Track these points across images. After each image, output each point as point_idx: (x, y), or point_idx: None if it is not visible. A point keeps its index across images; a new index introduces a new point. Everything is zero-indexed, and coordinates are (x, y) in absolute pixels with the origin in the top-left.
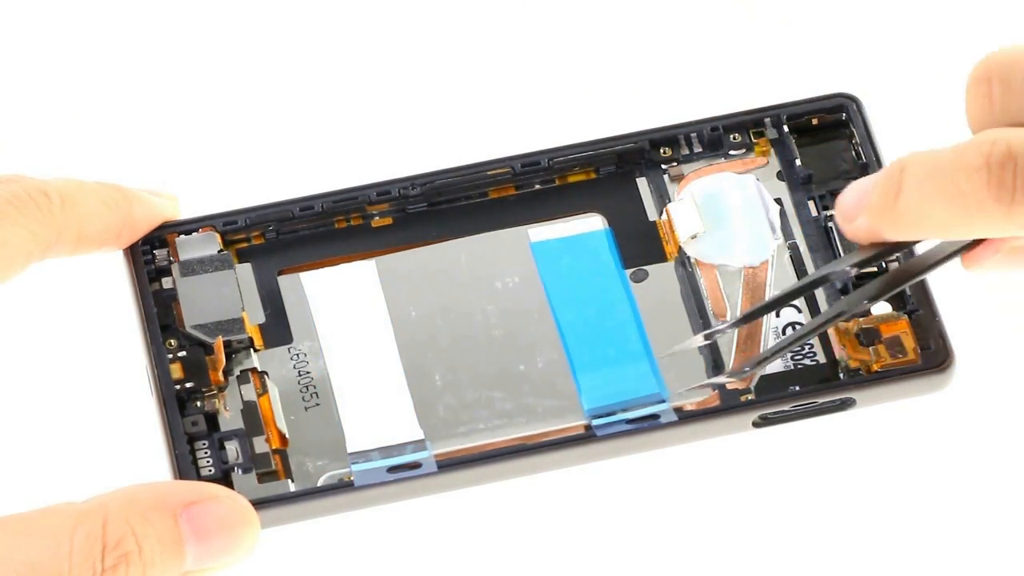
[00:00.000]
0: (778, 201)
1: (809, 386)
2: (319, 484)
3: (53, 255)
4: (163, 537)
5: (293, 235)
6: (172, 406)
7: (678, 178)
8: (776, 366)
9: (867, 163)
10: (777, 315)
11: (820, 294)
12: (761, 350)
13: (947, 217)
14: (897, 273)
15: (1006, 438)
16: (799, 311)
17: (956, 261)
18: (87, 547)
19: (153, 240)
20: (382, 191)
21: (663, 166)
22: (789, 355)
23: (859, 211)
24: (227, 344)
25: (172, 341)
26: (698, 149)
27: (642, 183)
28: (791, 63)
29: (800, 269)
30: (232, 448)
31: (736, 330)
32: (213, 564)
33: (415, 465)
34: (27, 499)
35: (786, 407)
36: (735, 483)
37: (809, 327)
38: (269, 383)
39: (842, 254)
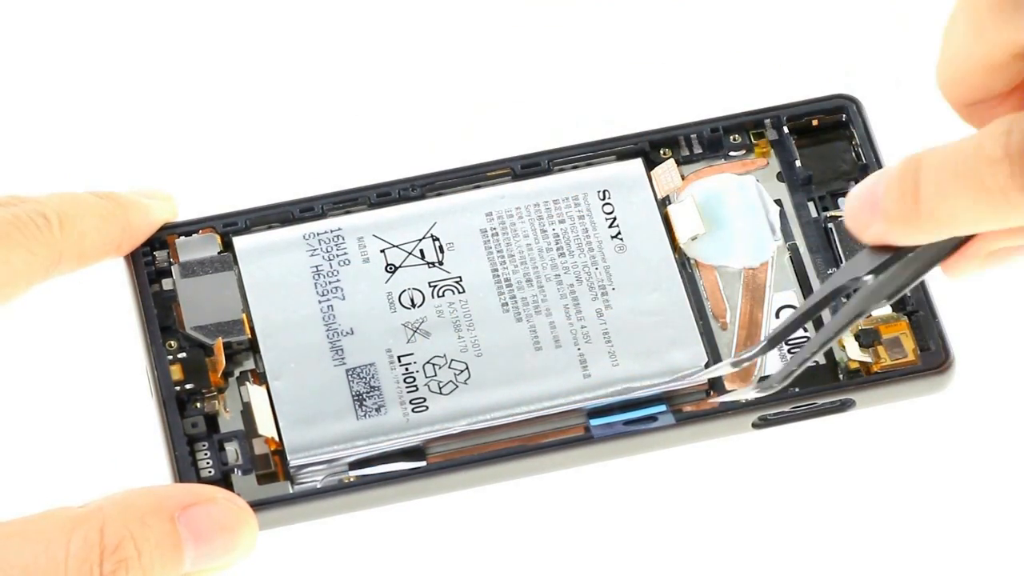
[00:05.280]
0: (778, 202)
1: (809, 387)
2: (319, 486)
3: (55, 275)
4: (161, 541)
5: None
6: (172, 407)
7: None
8: (775, 367)
9: (867, 164)
10: (776, 315)
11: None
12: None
13: (974, 214)
14: (907, 269)
15: (1006, 438)
16: None
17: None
18: (84, 552)
19: (153, 242)
20: (382, 192)
21: None
22: (789, 356)
23: (873, 218)
24: (227, 345)
25: (172, 342)
26: (698, 150)
27: None
28: (791, 63)
29: (800, 270)
30: (232, 449)
31: (736, 330)
32: (211, 566)
33: (414, 468)
34: (28, 502)
35: (786, 408)
36: (735, 485)
37: (828, 333)
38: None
39: (843, 256)
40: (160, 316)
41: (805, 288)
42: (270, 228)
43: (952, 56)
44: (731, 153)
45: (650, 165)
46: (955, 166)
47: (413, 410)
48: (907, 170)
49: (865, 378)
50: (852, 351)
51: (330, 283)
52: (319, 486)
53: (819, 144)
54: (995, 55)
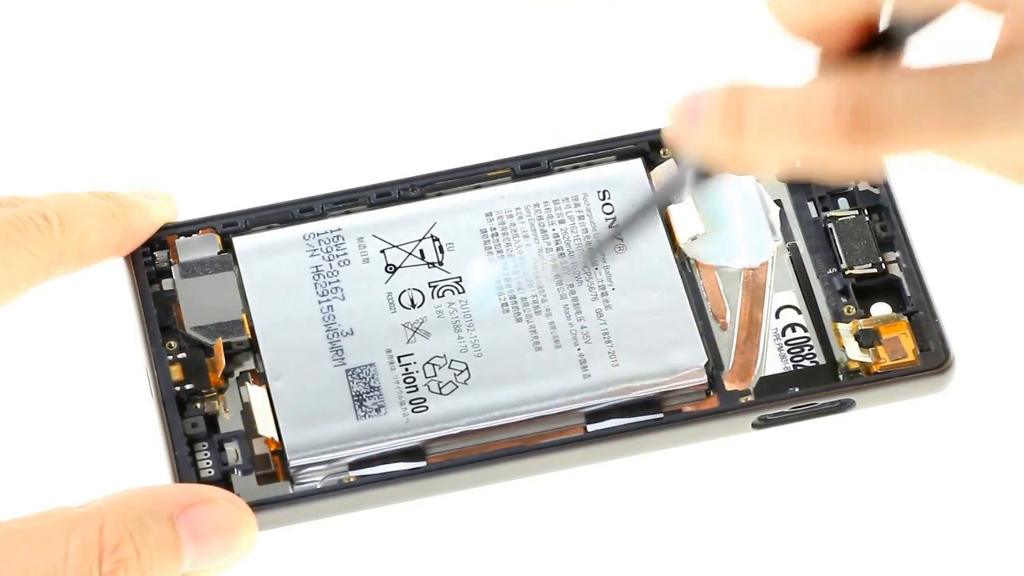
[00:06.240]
0: (778, 202)
1: (809, 388)
2: (318, 486)
3: (55, 276)
4: (161, 541)
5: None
6: (172, 408)
7: None
8: (775, 367)
9: None
10: (777, 316)
11: (819, 293)
12: (760, 351)
13: (798, 156)
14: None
15: (1006, 439)
16: (798, 312)
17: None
18: (84, 552)
19: (153, 242)
20: (382, 192)
21: None
22: (788, 356)
23: (695, 133)
24: (227, 346)
25: (172, 343)
26: None
27: None
28: (791, 63)
29: (800, 270)
30: (232, 450)
31: (736, 330)
32: (211, 566)
33: (414, 468)
34: (27, 502)
35: (786, 409)
36: (734, 485)
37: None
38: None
39: (842, 256)
40: (160, 316)
41: (805, 288)
42: (270, 228)
43: (784, 12)
44: None
45: (650, 165)
46: (783, 115)
47: (413, 410)
48: (731, 105)
49: (865, 378)
50: (852, 351)
51: (330, 283)
52: (319, 486)
53: None
54: (828, 19)
